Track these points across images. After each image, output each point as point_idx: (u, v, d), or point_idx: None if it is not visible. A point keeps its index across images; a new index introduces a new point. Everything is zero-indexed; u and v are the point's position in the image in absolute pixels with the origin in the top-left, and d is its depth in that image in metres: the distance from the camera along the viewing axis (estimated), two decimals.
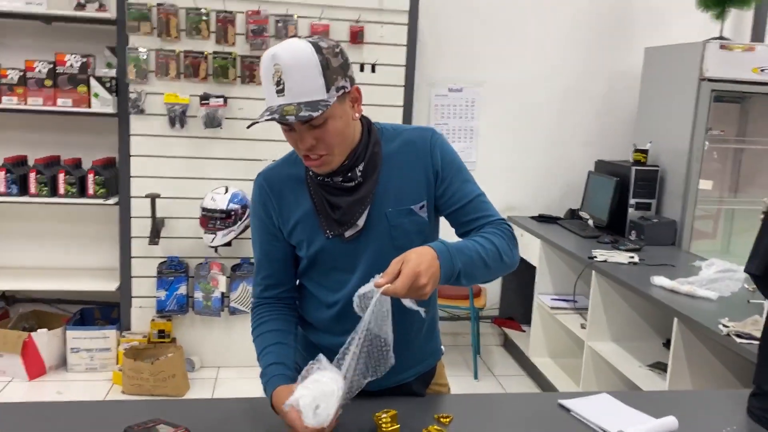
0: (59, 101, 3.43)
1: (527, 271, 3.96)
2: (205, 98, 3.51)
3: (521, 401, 1.62)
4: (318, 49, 1.28)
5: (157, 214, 3.55)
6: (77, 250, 3.91)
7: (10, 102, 3.41)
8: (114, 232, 3.72)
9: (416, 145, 1.46)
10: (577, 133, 4.36)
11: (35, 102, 3.42)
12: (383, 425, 1.33)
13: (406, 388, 1.55)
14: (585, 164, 4.28)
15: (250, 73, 3.57)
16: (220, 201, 3.42)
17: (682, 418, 1.45)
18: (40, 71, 3.40)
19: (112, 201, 3.56)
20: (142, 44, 3.47)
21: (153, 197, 3.51)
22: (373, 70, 3.68)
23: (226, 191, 3.47)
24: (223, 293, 3.67)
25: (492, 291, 4.36)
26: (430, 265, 1.23)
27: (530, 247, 3.89)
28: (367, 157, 1.42)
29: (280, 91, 1.27)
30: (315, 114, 1.26)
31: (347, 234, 1.42)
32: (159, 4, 3.43)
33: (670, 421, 1.42)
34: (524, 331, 4.20)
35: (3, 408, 1.48)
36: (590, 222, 3.90)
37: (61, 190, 3.50)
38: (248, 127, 1.37)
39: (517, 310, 4.33)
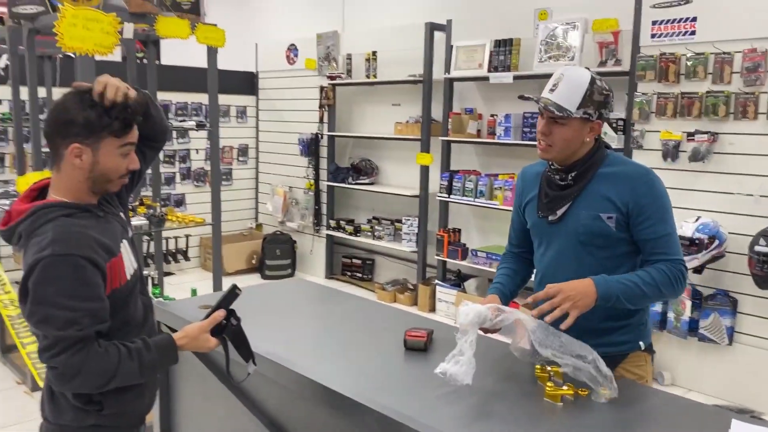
0: None
1: None
2: (692, 134, 3.80)
3: (693, 409, 1.67)
4: (593, 81, 1.85)
5: None
6: None
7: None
8: None
9: (628, 176, 1.87)
10: None
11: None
12: (537, 371, 1.77)
13: None
14: None
15: (743, 109, 3.64)
16: (687, 228, 3.65)
17: None
18: None
19: None
20: (646, 89, 4.03)
21: None
22: None
23: (697, 220, 3.68)
24: (691, 317, 3.85)
25: None
26: (578, 289, 1.73)
27: None
28: (582, 169, 1.90)
29: (552, 90, 1.84)
30: (556, 113, 1.81)
31: (550, 219, 1.95)
32: (662, 54, 3.93)
33: None
34: None
35: None
36: None
37: None
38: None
39: None
